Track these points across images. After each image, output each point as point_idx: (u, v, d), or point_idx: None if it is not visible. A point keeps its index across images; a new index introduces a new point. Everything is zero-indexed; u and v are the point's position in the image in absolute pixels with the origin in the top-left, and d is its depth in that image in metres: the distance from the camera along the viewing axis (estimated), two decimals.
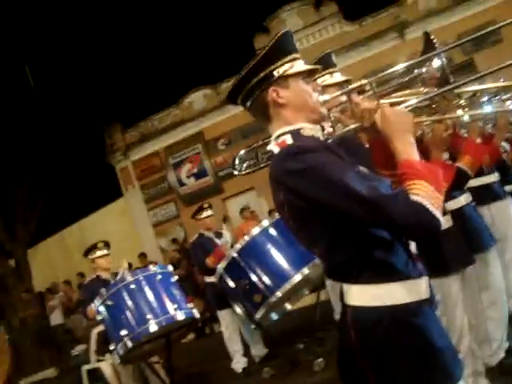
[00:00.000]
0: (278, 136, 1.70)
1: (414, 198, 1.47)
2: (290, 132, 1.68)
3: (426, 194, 1.47)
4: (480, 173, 4.15)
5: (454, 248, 3.01)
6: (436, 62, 1.85)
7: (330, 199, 1.51)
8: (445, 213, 3.03)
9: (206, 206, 6.51)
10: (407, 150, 1.58)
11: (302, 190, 1.55)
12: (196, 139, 14.82)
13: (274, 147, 1.69)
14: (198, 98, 15.08)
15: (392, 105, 1.76)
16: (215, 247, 6.09)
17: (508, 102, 3.28)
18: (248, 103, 1.77)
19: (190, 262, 10.26)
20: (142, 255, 12.58)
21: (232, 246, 5.59)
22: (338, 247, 1.59)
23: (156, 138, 15.28)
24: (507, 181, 4.91)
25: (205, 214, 6.41)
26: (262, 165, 2.39)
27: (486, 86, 2.70)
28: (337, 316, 6.55)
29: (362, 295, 1.57)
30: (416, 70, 1.91)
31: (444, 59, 1.85)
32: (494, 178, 4.42)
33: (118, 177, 16.03)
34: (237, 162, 2.70)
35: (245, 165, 2.68)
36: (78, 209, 16.26)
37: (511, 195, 4.89)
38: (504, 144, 5.39)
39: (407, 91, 2.11)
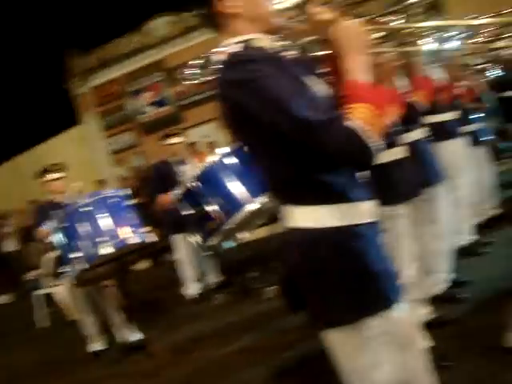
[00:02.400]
0: (228, 46, 1.60)
1: (349, 124, 1.40)
2: (240, 42, 1.59)
3: (363, 121, 1.41)
4: (437, 110, 4.21)
5: (404, 178, 3.04)
6: None
7: (265, 113, 1.44)
8: (396, 144, 3.06)
9: (174, 132, 6.43)
10: (356, 70, 1.50)
11: (240, 100, 1.47)
12: (157, 67, 14.44)
13: (219, 57, 1.60)
14: (160, 25, 14.57)
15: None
16: (174, 174, 6.10)
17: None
18: (202, 11, 1.67)
19: (148, 189, 10.22)
20: (101, 181, 12.44)
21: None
22: (279, 166, 1.54)
23: (116, 64, 14.80)
24: (465, 121, 4.98)
25: (172, 140, 6.30)
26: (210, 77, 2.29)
27: (452, 23, 2.67)
28: None
29: (303, 217, 1.53)
30: None
31: None
32: (450, 116, 4.47)
33: (77, 103, 15.59)
34: (188, 71, 2.61)
35: (196, 75, 2.60)
36: (34, 135, 15.83)
37: (469, 135, 4.99)
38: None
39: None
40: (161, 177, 6.18)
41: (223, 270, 6.46)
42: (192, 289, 6.25)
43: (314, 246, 1.51)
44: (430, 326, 3.29)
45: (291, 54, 1.95)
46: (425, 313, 3.39)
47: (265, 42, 1.63)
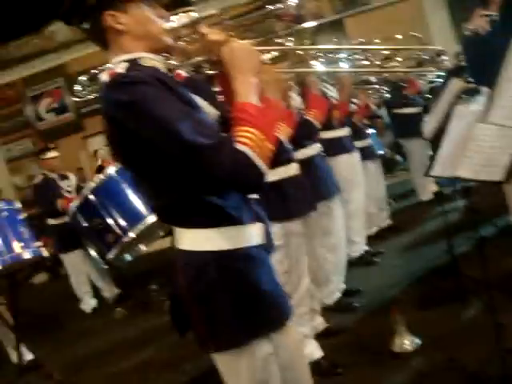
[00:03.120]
0: (115, 64, 1.54)
1: (239, 147, 1.38)
2: (128, 61, 1.52)
3: (253, 144, 1.39)
4: (331, 126, 4.39)
5: (298, 194, 3.13)
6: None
7: (151, 136, 1.40)
8: (293, 160, 3.16)
9: (51, 146, 6.30)
10: (246, 92, 1.48)
11: (124, 122, 1.42)
12: (58, 72, 13.98)
13: (105, 76, 1.53)
14: (61, 29, 14.13)
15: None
16: (59, 189, 5.97)
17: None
18: (85, 25, 1.58)
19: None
20: None
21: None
22: (164, 188, 1.51)
23: (13, 68, 14.16)
24: (357, 137, 5.22)
25: (49, 154, 6.16)
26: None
27: (346, 47, 2.80)
28: None
29: (191, 239, 1.52)
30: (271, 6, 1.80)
31: None
32: (343, 132, 4.68)
33: None
34: (78, 87, 2.56)
35: (86, 92, 2.55)
36: None
37: (360, 150, 5.23)
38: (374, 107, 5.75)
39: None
40: (44, 193, 6.01)
41: (122, 283, 6.35)
42: (89, 303, 6.14)
43: (202, 269, 1.50)
44: (322, 336, 3.43)
45: (181, 73, 1.95)
46: (318, 323, 3.51)
47: (153, 61, 1.58)
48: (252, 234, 1.57)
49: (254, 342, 1.52)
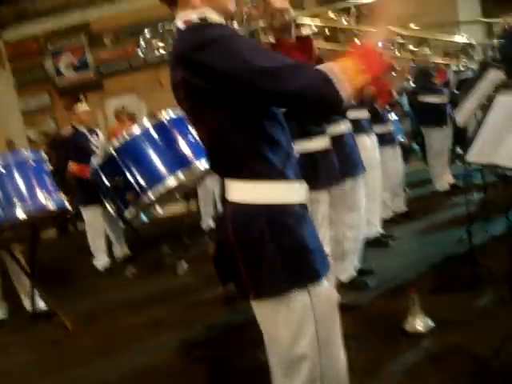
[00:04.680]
0: (184, 17, 1.60)
1: (320, 67, 1.45)
2: (197, 16, 1.58)
3: (342, 68, 1.45)
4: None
5: (327, 166, 3.20)
6: None
7: (231, 69, 1.45)
8: (325, 133, 3.20)
9: (81, 98, 6.30)
10: (374, 37, 1.56)
11: (202, 62, 1.48)
12: (81, 29, 13.90)
13: (179, 23, 1.60)
14: None
15: None
16: (88, 143, 5.99)
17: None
18: None
19: (59, 156, 9.90)
20: (10, 142, 11.88)
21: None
22: (225, 139, 1.57)
23: (36, 20, 14.02)
24: (378, 122, 5.23)
25: (81, 108, 6.18)
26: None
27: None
28: (204, 225, 6.82)
29: (242, 191, 1.58)
30: None
31: None
32: (361, 114, 4.68)
33: None
34: (142, 42, 2.60)
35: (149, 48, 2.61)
36: None
37: (380, 136, 5.21)
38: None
39: None
40: (77, 145, 6.04)
41: (133, 243, 6.45)
42: (101, 261, 6.21)
43: (252, 218, 1.56)
44: None
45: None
46: None
47: (219, 20, 1.62)
48: (298, 192, 1.64)
49: (293, 291, 1.57)
